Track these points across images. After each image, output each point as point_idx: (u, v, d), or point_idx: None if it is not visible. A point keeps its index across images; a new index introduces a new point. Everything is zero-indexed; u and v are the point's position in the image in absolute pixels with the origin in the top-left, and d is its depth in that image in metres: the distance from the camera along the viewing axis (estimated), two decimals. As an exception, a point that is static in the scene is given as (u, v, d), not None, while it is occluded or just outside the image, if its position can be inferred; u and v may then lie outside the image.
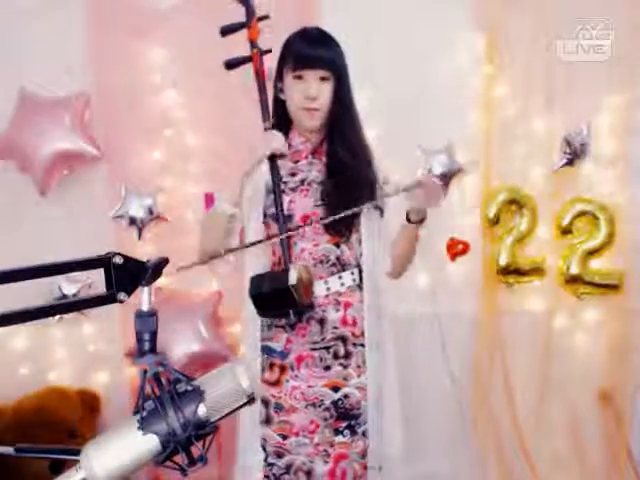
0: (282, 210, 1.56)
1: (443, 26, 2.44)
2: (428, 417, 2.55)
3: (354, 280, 1.64)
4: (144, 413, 0.73)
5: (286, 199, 1.60)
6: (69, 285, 2.42)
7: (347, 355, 1.62)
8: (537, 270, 2.52)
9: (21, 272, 0.73)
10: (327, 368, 1.61)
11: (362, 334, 1.63)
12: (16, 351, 2.52)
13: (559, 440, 2.58)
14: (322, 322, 1.61)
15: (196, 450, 0.74)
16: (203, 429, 0.74)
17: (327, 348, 1.61)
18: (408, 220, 1.62)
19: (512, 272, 2.51)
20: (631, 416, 2.55)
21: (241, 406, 0.77)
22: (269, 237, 1.59)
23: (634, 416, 2.56)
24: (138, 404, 0.73)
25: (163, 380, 0.75)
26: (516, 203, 2.50)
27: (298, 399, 1.61)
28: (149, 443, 0.72)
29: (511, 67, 2.47)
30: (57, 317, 2.44)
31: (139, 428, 0.72)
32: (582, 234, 2.51)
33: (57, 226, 2.47)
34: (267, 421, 1.63)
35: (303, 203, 1.62)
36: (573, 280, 2.51)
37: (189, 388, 0.74)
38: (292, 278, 1.43)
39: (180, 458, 0.74)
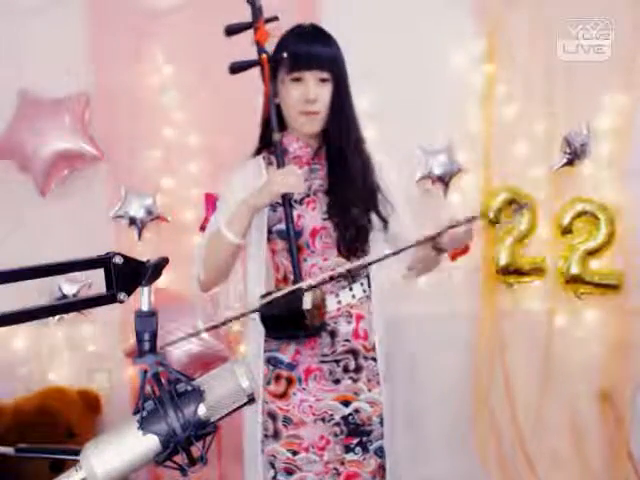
0: (294, 227, 1.50)
1: (443, 26, 2.44)
2: (428, 417, 2.56)
3: (364, 291, 1.60)
4: (144, 413, 0.73)
5: (294, 214, 1.53)
6: (69, 285, 2.42)
7: (357, 369, 1.56)
8: (537, 270, 2.52)
9: (21, 272, 0.73)
10: (336, 381, 1.55)
11: (373, 348, 1.59)
12: (16, 351, 2.52)
13: (559, 440, 2.58)
14: (333, 335, 1.55)
15: (196, 450, 0.74)
16: (203, 429, 0.74)
17: (337, 361, 1.55)
18: (439, 250, 1.52)
19: (512, 272, 2.50)
20: (631, 416, 2.55)
21: (241, 406, 0.77)
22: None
23: (634, 416, 2.56)
24: (138, 404, 0.73)
25: (163, 380, 0.75)
26: (516, 203, 2.49)
27: (307, 413, 1.54)
28: (149, 443, 0.72)
29: (511, 67, 2.47)
30: (57, 317, 2.44)
31: (139, 428, 0.72)
32: (582, 234, 2.51)
33: (57, 226, 2.47)
34: (275, 436, 1.56)
35: (312, 217, 1.55)
36: (573, 280, 2.50)
37: (189, 388, 0.74)
38: (306, 302, 1.38)
39: (180, 458, 0.74)
